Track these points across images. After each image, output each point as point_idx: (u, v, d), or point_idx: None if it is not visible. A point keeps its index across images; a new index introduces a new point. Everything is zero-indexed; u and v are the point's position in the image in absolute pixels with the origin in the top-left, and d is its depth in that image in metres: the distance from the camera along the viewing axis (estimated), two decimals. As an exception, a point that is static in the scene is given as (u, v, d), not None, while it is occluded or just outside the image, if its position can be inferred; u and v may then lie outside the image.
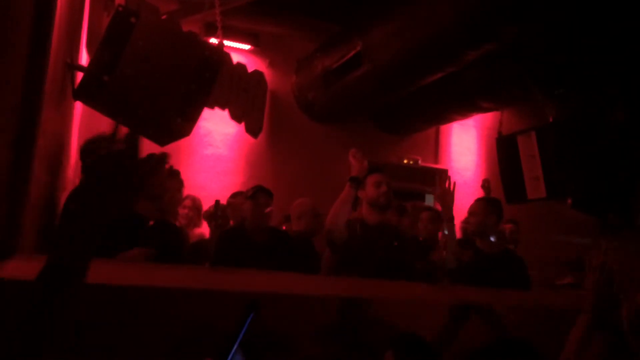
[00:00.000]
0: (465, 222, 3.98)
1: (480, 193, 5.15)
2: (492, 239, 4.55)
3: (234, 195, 4.39)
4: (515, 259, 3.82)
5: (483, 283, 3.39)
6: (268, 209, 3.63)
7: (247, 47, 6.17)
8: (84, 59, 3.49)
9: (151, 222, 3.05)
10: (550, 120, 3.90)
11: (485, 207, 3.79)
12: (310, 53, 6.02)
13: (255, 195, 3.62)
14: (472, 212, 3.75)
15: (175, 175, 3.86)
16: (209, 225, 3.66)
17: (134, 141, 0.96)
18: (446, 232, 3.45)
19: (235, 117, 6.63)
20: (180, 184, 3.91)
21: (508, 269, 3.62)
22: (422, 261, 3.43)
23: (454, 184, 3.46)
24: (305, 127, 6.43)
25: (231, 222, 4.03)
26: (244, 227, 3.65)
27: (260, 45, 6.23)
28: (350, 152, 3.29)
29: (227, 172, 6.10)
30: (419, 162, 6.96)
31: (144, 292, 2.15)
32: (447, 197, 3.39)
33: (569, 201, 4.07)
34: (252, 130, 6.75)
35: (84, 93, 2.49)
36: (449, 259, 3.20)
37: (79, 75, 2.67)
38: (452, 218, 3.37)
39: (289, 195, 4.24)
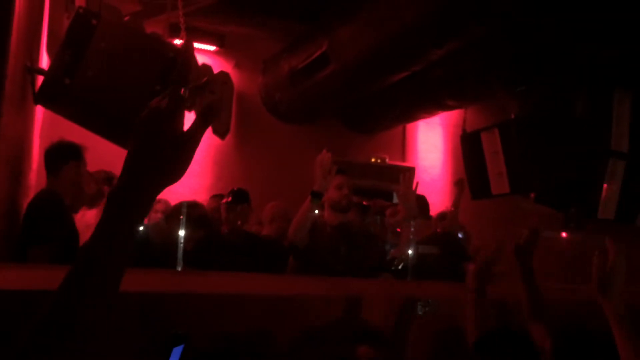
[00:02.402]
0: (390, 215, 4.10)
1: (448, 190, 5.21)
2: (460, 235, 4.62)
3: (214, 197, 4.41)
4: (445, 238, 3.94)
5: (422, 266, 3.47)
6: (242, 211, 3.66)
7: (212, 48, 6.12)
8: (44, 62, 3.42)
9: None
10: (513, 116, 3.97)
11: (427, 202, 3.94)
12: (276, 53, 6.01)
13: (229, 199, 3.63)
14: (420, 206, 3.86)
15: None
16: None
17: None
18: (402, 229, 3.49)
19: (202, 118, 6.50)
20: None
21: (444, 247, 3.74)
22: (382, 258, 3.47)
23: (417, 183, 3.51)
24: (273, 128, 6.42)
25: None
26: (218, 230, 3.66)
27: (225, 46, 6.19)
28: (317, 157, 3.27)
29: (194, 174, 6.04)
30: (387, 160, 7.00)
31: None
32: (409, 195, 3.45)
33: (532, 196, 4.16)
34: (219, 131, 6.74)
35: (45, 97, 2.45)
36: (407, 256, 3.24)
37: (40, 79, 2.62)
38: (414, 216, 3.43)
39: (258, 196, 4.22)
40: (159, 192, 0.85)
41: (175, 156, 0.85)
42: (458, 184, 4.93)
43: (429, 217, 4.25)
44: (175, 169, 0.86)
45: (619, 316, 1.91)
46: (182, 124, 0.87)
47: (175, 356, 1.64)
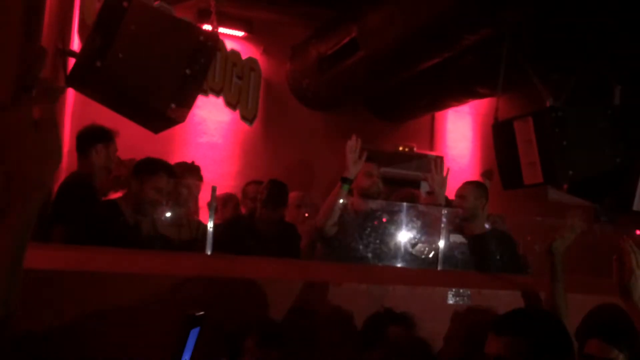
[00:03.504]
0: (455, 205, 3.98)
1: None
2: (487, 226, 4.55)
3: (249, 184, 4.42)
4: (504, 238, 3.84)
5: (476, 264, 3.41)
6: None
7: (240, 33, 6.10)
8: (75, 44, 3.44)
9: None
10: (548, 105, 3.87)
11: (475, 190, 3.80)
12: (304, 39, 5.96)
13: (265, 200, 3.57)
14: (461, 195, 3.73)
15: (195, 170, 3.91)
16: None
17: None
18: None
19: (230, 104, 6.62)
20: (200, 179, 3.96)
21: (498, 248, 3.63)
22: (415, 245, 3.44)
23: (448, 170, 3.47)
24: (300, 114, 6.39)
25: (243, 210, 4.08)
26: (253, 217, 3.65)
27: (254, 32, 6.16)
28: (347, 143, 3.25)
29: (221, 160, 6.06)
30: (414, 149, 6.93)
31: (143, 279, 2.13)
32: (441, 182, 3.42)
33: (565, 186, 4.06)
34: (247, 117, 6.73)
35: (76, 79, 2.46)
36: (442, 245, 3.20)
37: (72, 62, 2.63)
38: (444, 204, 3.40)
39: (285, 183, 4.22)
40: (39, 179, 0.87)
41: (32, 143, 0.88)
42: (486, 175, 4.84)
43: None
44: (42, 154, 0.89)
45: None
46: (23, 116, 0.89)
47: (192, 338, 1.63)
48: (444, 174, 3.47)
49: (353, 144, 3.24)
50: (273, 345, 2.05)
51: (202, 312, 1.51)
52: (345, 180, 3.21)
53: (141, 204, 2.97)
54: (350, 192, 3.44)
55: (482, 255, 3.41)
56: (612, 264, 1.87)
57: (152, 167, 3.04)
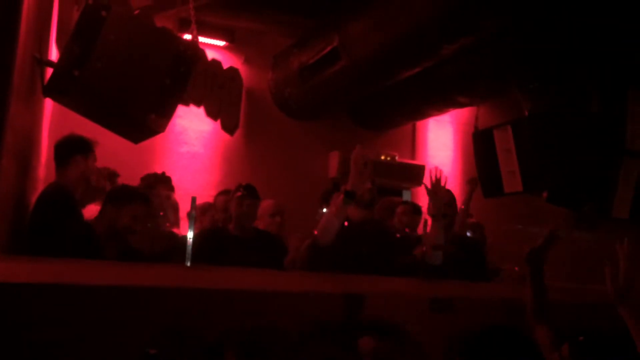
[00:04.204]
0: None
1: (458, 189, 5.16)
2: (468, 234, 4.57)
3: (221, 194, 4.38)
4: (470, 245, 3.85)
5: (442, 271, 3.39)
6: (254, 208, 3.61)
7: (222, 43, 6.09)
8: (54, 54, 3.40)
9: None
10: (526, 114, 3.92)
11: (453, 197, 3.82)
12: (286, 49, 5.97)
13: (241, 195, 3.56)
14: (449, 202, 3.72)
15: (166, 181, 3.87)
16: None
17: None
18: (427, 230, 3.44)
19: (211, 114, 6.60)
20: (171, 189, 3.92)
21: (464, 255, 3.63)
22: (405, 257, 3.40)
23: (446, 178, 3.42)
24: (282, 124, 6.38)
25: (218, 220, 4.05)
26: (228, 226, 3.61)
27: (235, 42, 6.15)
28: (352, 154, 3.04)
29: (202, 170, 6.02)
30: (396, 158, 6.96)
31: (120, 291, 2.10)
32: (439, 192, 3.34)
33: (544, 195, 4.11)
34: (228, 127, 6.71)
35: (54, 89, 2.43)
36: (437, 255, 3.14)
37: (50, 72, 2.60)
38: (444, 214, 3.32)
39: (266, 193, 4.20)
40: None
41: None
42: (471, 182, 4.87)
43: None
44: None
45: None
46: None
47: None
48: (442, 182, 3.41)
49: (357, 155, 3.01)
50: (252, 358, 2.03)
51: (155, 351, 1.51)
52: (348, 193, 2.96)
53: (116, 231, 2.98)
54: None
55: (446, 262, 3.38)
56: (604, 269, 1.88)
57: (129, 195, 3.05)
